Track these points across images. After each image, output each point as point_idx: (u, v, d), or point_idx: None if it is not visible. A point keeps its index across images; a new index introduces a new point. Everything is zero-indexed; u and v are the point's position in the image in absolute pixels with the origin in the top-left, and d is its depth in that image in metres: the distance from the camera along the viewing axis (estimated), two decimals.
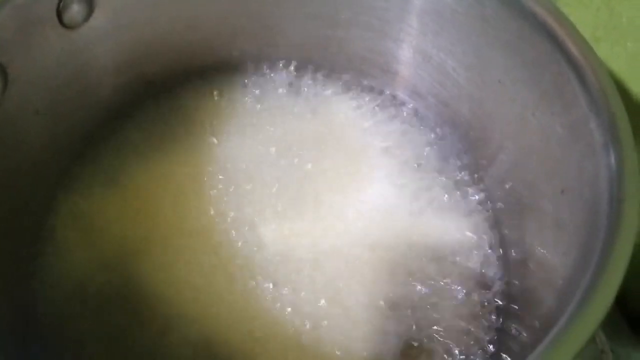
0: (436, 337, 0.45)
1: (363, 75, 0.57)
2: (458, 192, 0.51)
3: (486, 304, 0.46)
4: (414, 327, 0.45)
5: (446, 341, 0.45)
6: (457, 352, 0.44)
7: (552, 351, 0.29)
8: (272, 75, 0.57)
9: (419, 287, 0.47)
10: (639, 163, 0.34)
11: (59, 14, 0.43)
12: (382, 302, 0.46)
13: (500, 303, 0.46)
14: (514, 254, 0.47)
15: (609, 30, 0.49)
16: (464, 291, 0.47)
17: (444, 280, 0.47)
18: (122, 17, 0.48)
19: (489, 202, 0.51)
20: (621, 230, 0.32)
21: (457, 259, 0.48)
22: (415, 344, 0.44)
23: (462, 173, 0.52)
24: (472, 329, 0.45)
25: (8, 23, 0.40)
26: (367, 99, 0.57)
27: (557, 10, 0.41)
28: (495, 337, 0.45)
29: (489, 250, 0.49)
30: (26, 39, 0.41)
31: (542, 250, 0.43)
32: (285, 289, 0.46)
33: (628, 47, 0.48)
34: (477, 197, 0.51)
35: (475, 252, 0.49)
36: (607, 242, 0.32)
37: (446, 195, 0.51)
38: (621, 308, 0.53)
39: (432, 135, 0.54)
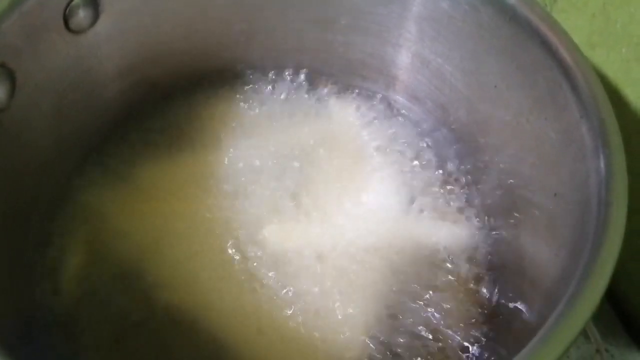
0: (430, 338, 0.45)
1: (362, 80, 0.57)
2: (454, 195, 0.52)
3: (479, 303, 0.47)
4: (408, 327, 0.46)
5: (440, 339, 0.45)
6: (450, 352, 0.45)
7: (542, 348, 0.30)
8: (272, 79, 0.58)
9: (414, 288, 0.47)
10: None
11: (66, 19, 0.43)
12: (378, 303, 0.46)
13: (493, 302, 0.47)
14: (507, 255, 0.48)
15: (604, 37, 0.49)
16: (458, 291, 0.47)
17: (439, 281, 0.48)
18: (126, 22, 0.49)
19: (484, 204, 0.51)
20: (609, 232, 0.32)
21: (452, 260, 0.49)
22: (410, 344, 0.45)
23: (458, 176, 0.53)
24: (464, 328, 0.46)
25: (16, 29, 0.40)
26: (366, 102, 0.57)
27: (550, 17, 0.42)
28: (488, 335, 0.45)
29: (483, 251, 0.49)
30: (34, 45, 0.42)
31: (534, 252, 0.43)
32: (286, 289, 0.46)
33: (623, 53, 0.48)
34: (472, 199, 0.52)
35: (470, 253, 0.49)
36: (595, 244, 0.33)
37: (442, 198, 0.52)
38: (615, 308, 0.54)
39: (429, 139, 0.55)
